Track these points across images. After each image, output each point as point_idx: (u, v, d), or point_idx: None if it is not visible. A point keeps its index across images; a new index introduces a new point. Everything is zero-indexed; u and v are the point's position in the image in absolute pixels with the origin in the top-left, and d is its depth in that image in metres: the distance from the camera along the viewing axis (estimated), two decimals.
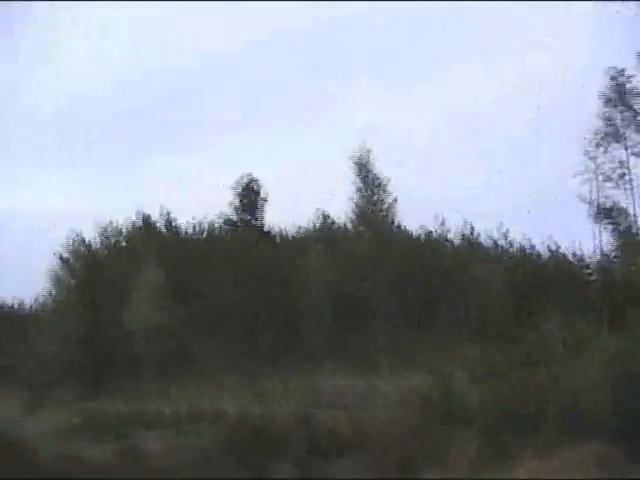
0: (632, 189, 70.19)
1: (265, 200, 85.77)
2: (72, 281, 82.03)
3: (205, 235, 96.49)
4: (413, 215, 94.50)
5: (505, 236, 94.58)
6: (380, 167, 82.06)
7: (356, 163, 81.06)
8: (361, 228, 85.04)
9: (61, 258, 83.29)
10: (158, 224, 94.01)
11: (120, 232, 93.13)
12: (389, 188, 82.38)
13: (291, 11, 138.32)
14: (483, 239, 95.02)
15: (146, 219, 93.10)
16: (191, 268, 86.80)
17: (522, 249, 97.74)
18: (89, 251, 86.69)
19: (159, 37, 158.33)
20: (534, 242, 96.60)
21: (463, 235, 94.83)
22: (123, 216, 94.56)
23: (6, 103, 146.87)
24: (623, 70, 68.35)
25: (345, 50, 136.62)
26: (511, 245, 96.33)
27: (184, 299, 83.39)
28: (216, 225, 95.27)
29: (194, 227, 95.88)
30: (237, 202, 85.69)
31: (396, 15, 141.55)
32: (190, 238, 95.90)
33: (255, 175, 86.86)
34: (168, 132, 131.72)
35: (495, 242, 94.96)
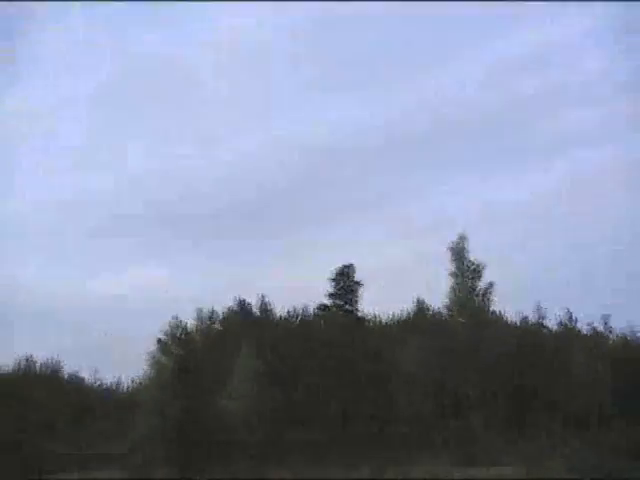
0: None
1: (360, 285, 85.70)
2: (169, 364, 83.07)
3: (299, 320, 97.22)
4: (509, 301, 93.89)
5: (605, 322, 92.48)
6: (475, 254, 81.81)
7: (452, 250, 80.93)
8: (457, 315, 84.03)
9: (159, 341, 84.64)
10: (254, 309, 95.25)
11: (217, 317, 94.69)
12: (484, 274, 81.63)
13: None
14: (581, 325, 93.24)
15: (242, 304, 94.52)
16: (286, 353, 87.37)
17: (624, 336, 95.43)
18: (186, 335, 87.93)
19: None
20: (637, 328, 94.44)
21: (561, 322, 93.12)
22: (221, 302, 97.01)
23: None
24: None
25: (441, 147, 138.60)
26: (611, 332, 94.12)
27: (279, 385, 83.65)
28: (310, 310, 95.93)
29: (288, 312, 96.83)
30: (332, 288, 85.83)
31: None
32: (285, 323, 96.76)
33: (351, 262, 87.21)
34: (266, 223, 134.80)
35: (594, 329, 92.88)
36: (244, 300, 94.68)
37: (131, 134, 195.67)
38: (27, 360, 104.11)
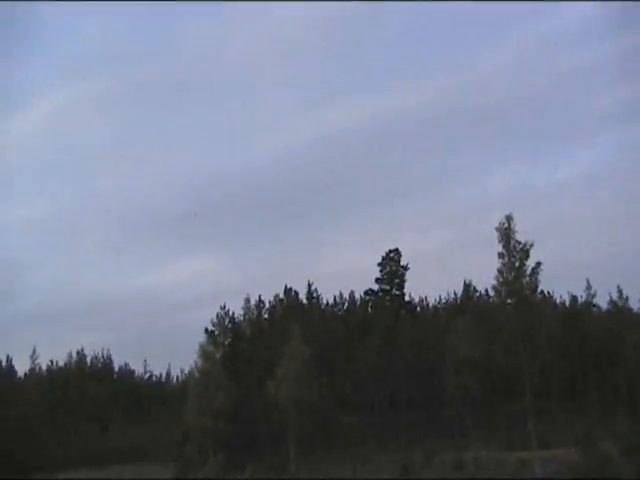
0: None
1: (406, 269, 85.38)
2: (218, 354, 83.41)
3: (346, 306, 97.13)
4: (559, 279, 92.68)
5: None
6: (523, 234, 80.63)
7: (499, 230, 79.78)
8: (504, 296, 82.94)
9: (208, 332, 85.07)
10: (301, 297, 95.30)
11: (264, 306, 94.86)
12: (532, 254, 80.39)
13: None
14: (633, 304, 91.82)
15: (289, 293, 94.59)
16: (334, 341, 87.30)
17: None
18: (235, 325, 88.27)
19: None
20: None
21: (612, 300, 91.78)
22: (268, 290, 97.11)
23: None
24: None
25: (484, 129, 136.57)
26: None
27: (327, 370, 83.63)
28: (357, 296, 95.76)
29: (335, 299, 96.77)
30: (379, 273, 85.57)
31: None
32: (332, 309, 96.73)
33: (397, 246, 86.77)
34: (312, 210, 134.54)
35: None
36: (291, 288, 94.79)
37: (172, 128, 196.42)
38: (78, 354, 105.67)
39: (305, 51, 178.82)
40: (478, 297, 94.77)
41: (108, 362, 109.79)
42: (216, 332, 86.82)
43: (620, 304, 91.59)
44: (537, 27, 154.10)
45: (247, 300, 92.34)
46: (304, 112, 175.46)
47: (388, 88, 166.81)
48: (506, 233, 77.68)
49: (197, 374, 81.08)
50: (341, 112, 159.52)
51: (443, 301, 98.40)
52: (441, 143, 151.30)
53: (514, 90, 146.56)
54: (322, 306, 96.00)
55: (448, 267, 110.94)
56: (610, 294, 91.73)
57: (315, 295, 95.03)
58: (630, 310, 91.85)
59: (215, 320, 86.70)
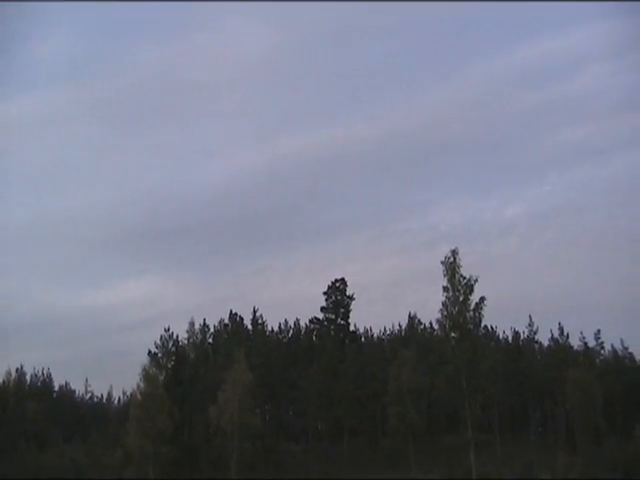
0: None
1: (352, 299, 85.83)
2: (161, 377, 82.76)
3: (291, 334, 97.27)
4: (502, 315, 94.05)
5: (597, 339, 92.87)
6: (469, 268, 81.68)
7: (444, 264, 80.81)
8: (448, 330, 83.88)
9: (151, 354, 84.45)
10: (246, 323, 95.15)
11: (209, 330, 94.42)
12: (476, 288, 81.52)
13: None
14: (574, 342, 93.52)
15: (234, 318, 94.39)
16: (278, 368, 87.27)
17: (615, 353, 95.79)
18: (179, 348, 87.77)
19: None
20: (628, 345, 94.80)
21: (553, 337, 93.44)
22: (215, 315, 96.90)
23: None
24: None
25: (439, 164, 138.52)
26: (603, 348, 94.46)
27: (271, 399, 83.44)
28: (302, 324, 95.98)
29: (280, 326, 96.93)
30: (325, 302, 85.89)
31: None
32: (277, 337, 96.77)
33: (344, 276, 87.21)
34: (262, 237, 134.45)
35: (586, 345, 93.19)
36: (236, 313, 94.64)
37: (128, 148, 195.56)
38: (17, 371, 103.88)
39: (261, 79, 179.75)
40: (422, 329, 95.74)
41: (48, 381, 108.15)
42: (159, 355, 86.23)
43: (561, 341, 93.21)
44: (492, 67, 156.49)
45: (192, 324, 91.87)
46: (258, 139, 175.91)
47: (343, 119, 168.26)
48: (452, 267, 78.73)
49: (139, 396, 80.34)
50: (295, 141, 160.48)
51: (388, 332, 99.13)
52: (393, 176, 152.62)
53: (467, 127, 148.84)
54: (267, 333, 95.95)
55: (394, 299, 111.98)
56: (552, 331, 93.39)
57: (260, 321, 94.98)
58: (571, 347, 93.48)
59: (159, 342, 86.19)
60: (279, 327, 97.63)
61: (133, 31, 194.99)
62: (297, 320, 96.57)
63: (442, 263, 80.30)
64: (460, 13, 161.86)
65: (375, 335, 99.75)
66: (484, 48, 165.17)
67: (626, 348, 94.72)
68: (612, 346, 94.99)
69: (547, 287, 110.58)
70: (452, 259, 79.45)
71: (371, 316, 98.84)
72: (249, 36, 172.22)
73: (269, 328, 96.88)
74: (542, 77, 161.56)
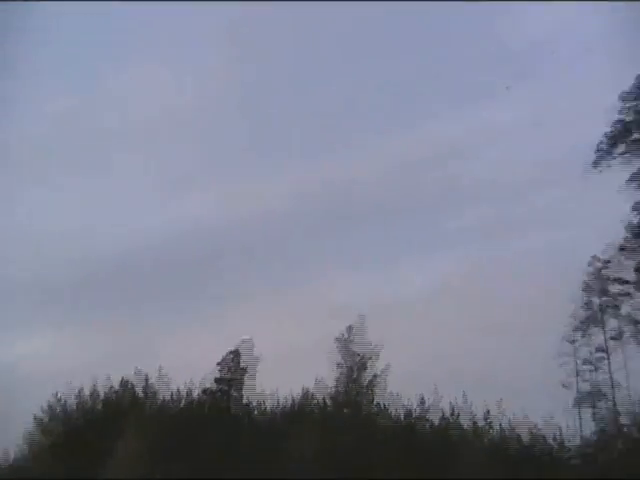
0: (611, 374, 70.77)
1: (246, 372, 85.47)
2: (48, 442, 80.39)
3: (184, 404, 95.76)
4: (396, 390, 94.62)
5: (486, 417, 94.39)
6: (363, 344, 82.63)
7: (340, 339, 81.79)
8: (342, 405, 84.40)
9: (37, 418, 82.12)
10: (137, 390, 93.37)
11: (97, 396, 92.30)
12: (370, 364, 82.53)
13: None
14: (463, 419, 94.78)
15: (126, 384, 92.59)
16: (169, 437, 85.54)
17: (502, 431, 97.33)
18: (67, 413, 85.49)
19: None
20: (515, 424, 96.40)
21: (444, 416, 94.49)
22: (109, 375, 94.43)
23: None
24: (601, 258, 70.33)
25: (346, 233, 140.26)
26: (491, 426, 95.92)
27: (162, 469, 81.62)
28: (195, 394, 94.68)
29: (172, 395, 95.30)
30: (218, 372, 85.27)
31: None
32: (169, 405, 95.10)
33: (238, 347, 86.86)
34: (164, 295, 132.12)
35: (475, 423, 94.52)
36: (127, 380, 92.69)
37: (28, 198, 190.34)
38: None
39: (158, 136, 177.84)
40: (316, 404, 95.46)
41: None
42: (46, 419, 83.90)
43: (452, 420, 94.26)
44: (408, 140, 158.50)
45: (81, 388, 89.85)
46: (161, 196, 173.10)
47: (257, 176, 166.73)
48: (346, 343, 79.70)
49: (24, 462, 77.91)
50: (197, 201, 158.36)
51: (282, 406, 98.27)
52: (296, 243, 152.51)
53: (375, 198, 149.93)
54: (159, 401, 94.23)
55: (289, 372, 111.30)
56: (443, 410, 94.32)
57: (152, 389, 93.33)
58: (461, 426, 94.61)
59: (46, 406, 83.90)
60: (171, 396, 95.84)
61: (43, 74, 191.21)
62: (190, 390, 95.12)
63: (337, 339, 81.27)
64: (382, 80, 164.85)
65: (269, 409, 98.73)
66: (400, 121, 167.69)
67: (513, 429, 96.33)
68: (500, 426, 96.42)
69: (441, 365, 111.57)
70: (347, 335, 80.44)
71: (266, 389, 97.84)
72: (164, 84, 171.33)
73: (161, 397, 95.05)
74: (447, 157, 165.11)
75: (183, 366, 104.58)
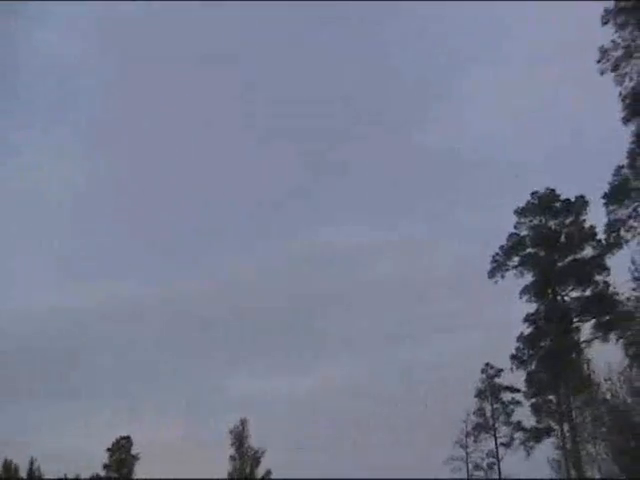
0: (500, 479, 70.36)
1: (137, 459, 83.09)
2: None
3: None
4: None
5: None
6: (256, 439, 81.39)
7: (232, 433, 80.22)
8: None
9: None
10: (22, 475, 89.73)
11: None
12: (263, 460, 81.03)
13: None
14: None
15: (9, 467, 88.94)
16: None
17: None
18: None
19: None
20: None
21: None
22: None
23: None
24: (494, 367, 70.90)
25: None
26: None
27: None
28: None
29: None
30: (108, 459, 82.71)
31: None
32: None
33: (130, 434, 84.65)
34: (41, 383, 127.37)
35: None
36: (11, 461, 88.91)
37: None
38: None
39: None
40: None
41: None
42: None
43: None
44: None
45: None
46: (49, 278, 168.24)
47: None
48: (239, 437, 78.37)
49: None
50: (83, 289, 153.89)
51: None
52: (186, 338, 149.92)
53: (261, 298, 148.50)
54: None
55: (180, 463, 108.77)
56: None
57: (37, 474, 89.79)
58: None
59: None
60: None
61: None
62: (78, 476, 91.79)
63: (230, 432, 79.83)
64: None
65: None
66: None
67: None
68: None
69: (333, 466, 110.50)
70: (241, 428, 79.15)
71: (156, 478, 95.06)
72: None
73: None
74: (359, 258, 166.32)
75: (65, 457, 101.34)
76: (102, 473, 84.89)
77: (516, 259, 58.39)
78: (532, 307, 57.34)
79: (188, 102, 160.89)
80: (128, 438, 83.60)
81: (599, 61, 41.84)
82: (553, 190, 59.46)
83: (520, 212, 59.43)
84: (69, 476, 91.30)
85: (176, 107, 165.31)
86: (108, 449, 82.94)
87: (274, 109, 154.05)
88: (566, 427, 51.18)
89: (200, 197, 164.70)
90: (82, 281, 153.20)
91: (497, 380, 69.67)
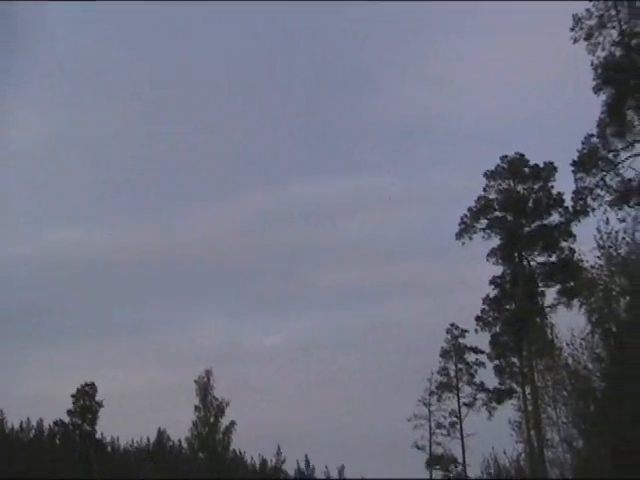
0: (462, 438, 71.48)
1: (101, 406, 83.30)
2: None
3: (34, 434, 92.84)
4: (251, 441, 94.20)
5: (340, 472, 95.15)
6: (222, 392, 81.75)
7: (197, 384, 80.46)
8: (197, 449, 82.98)
9: None
10: None
11: None
12: (228, 412, 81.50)
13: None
14: (318, 474, 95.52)
15: None
16: (17, 469, 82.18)
17: None
18: None
19: None
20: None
21: (299, 468, 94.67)
22: None
23: None
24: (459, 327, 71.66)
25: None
26: None
27: None
28: (46, 425, 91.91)
29: (22, 425, 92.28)
30: (72, 405, 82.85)
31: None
32: (17, 436, 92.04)
33: (94, 380, 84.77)
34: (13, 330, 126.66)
35: (329, 477, 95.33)
36: None
37: None
38: None
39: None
40: (171, 446, 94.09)
41: None
42: None
43: (307, 473, 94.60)
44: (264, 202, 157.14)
45: None
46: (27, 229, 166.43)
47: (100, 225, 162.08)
48: (204, 387, 78.71)
49: None
50: (62, 235, 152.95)
51: (135, 444, 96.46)
52: (153, 286, 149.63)
53: (233, 252, 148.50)
54: (7, 430, 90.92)
55: (145, 411, 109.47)
56: (298, 462, 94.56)
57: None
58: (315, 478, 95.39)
59: None
60: (20, 426, 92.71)
61: None
62: (40, 420, 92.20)
63: (195, 382, 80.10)
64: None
65: (122, 446, 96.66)
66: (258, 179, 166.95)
67: None
68: None
69: (297, 419, 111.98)
70: (206, 379, 79.46)
71: (120, 426, 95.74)
72: None
73: (9, 426, 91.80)
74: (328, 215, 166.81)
75: (29, 402, 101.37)
76: (66, 419, 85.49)
77: (484, 222, 58.82)
78: (499, 270, 58.23)
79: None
80: (92, 385, 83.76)
81: (572, 29, 42.11)
82: (522, 155, 59.81)
83: (489, 175, 59.77)
84: (32, 421, 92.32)
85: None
86: (72, 395, 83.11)
87: None
88: (528, 390, 52.16)
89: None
90: (44, 230, 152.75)
91: (462, 341, 70.71)
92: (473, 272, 79.87)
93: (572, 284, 50.62)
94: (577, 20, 41.81)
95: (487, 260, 57.87)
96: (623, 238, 35.55)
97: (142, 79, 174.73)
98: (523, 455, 54.24)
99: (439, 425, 74.22)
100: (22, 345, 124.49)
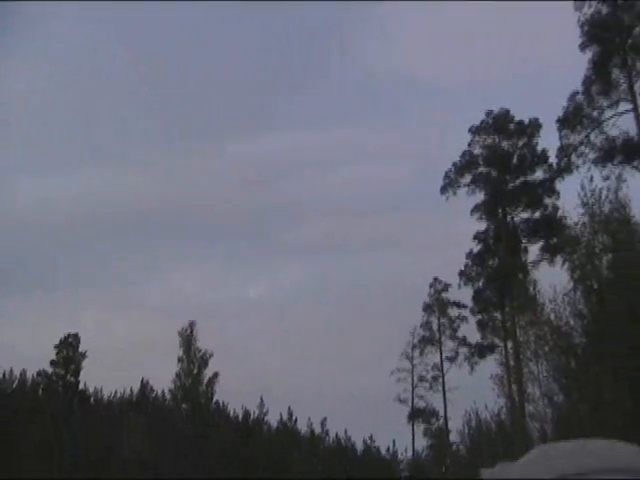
0: (444, 392, 72.40)
1: (84, 357, 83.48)
2: None
3: (16, 385, 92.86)
4: (236, 393, 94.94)
5: (323, 425, 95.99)
6: (205, 343, 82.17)
7: (181, 335, 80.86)
8: (180, 401, 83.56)
9: None
10: None
11: None
12: (211, 363, 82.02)
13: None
14: (301, 426, 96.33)
15: None
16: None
17: (338, 440, 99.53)
18: None
19: None
20: (351, 435, 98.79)
21: (282, 420, 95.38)
22: None
23: None
24: (442, 281, 72.20)
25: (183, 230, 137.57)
26: (328, 434, 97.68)
27: None
28: (29, 375, 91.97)
29: (5, 375, 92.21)
30: (55, 355, 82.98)
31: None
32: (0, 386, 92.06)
33: (78, 331, 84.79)
34: None
35: (313, 431, 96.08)
36: None
37: None
38: None
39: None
40: (154, 397, 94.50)
41: None
42: None
43: (289, 425, 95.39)
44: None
45: None
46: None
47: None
48: (188, 339, 79.19)
49: None
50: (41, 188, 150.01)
51: (119, 395, 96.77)
52: (136, 237, 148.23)
53: (219, 203, 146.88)
54: None
55: (129, 362, 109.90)
56: (281, 414, 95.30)
57: None
58: (298, 432, 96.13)
59: None
60: (3, 375, 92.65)
61: None
62: (24, 371, 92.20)
63: (179, 333, 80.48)
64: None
65: (105, 397, 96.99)
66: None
67: (349, 437, 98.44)
68: (337, 434, 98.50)
69: (280, 370, 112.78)
70: (189, 330, 79.88)
71: (104, 376, 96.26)
72: None
73: None
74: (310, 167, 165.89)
75: (12, 352, 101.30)
76: (49, 369, 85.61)
77: (468, 177, 58.89)
78: (482, 225, 58.44)
79: None
80: (76, 335, 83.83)
81: None
82: (508, 111, 59.70)
83: (474, 131, 59.69)
84: (16, 371, 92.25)
85: None
86: (55, 346, 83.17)
87: None
88: (510, 345, 52.66)
89: None
90: (26, 175, 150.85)
91: (445, 295, 71.17)
92: (457, 227, 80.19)
93: (555, 241, 50.90)
94: None
95: (471, 215, 58.10)
96: (607, 196, 35.84)
97: None
98: (504, 409, 55.02)
99: (421, 378, 75.15)
100: (4, 294, 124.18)
